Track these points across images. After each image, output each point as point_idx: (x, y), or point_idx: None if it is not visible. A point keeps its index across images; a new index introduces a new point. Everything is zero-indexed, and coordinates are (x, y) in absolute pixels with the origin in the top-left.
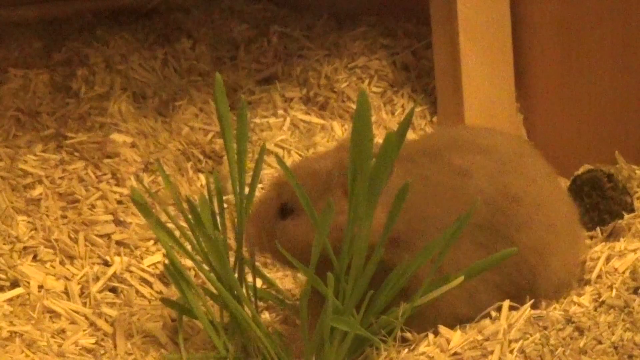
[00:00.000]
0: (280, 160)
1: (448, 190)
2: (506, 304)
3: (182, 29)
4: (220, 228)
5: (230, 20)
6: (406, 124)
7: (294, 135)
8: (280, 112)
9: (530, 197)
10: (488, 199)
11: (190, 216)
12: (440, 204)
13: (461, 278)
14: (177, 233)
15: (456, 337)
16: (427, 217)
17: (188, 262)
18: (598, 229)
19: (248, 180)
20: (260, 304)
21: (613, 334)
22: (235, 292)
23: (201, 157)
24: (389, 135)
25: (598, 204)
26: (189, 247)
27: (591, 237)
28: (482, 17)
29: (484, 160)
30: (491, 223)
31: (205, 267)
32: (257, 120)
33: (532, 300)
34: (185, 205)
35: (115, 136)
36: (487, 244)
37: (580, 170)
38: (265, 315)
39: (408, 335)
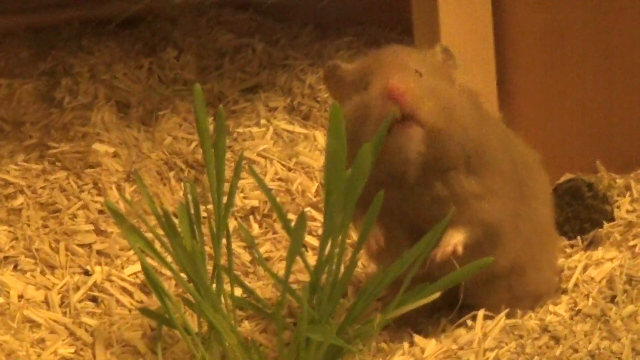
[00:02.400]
0: (253, 171)
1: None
2: (481, 313)
3: (169, 39)
4: (197, 237)
5: (217, 30)
6: (382, 135)
7: (277, 144)
8: (263, 121)
9: (533, 168)
10: (521, 157)
11: (166, 226)
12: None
13: (437, 294)
14: (157, 243)
15: (431, 346)
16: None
17: (169, 272)
18: (579, 237)
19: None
20: (241, 313)
21: (590, 343)
22: (212, 301)
23: (183, 166)
24: (365, 147)
25: (579, 212)
26: (168, 257)
27: (572, 246)
28: (464, 27)
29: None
30: (524, 181)
31: (184, 276)
32: (240, 130)
33: (507, 310)
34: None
35: (97, 146)
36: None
37: (562, 179)
38: (245, 324)
39: (383, 345)
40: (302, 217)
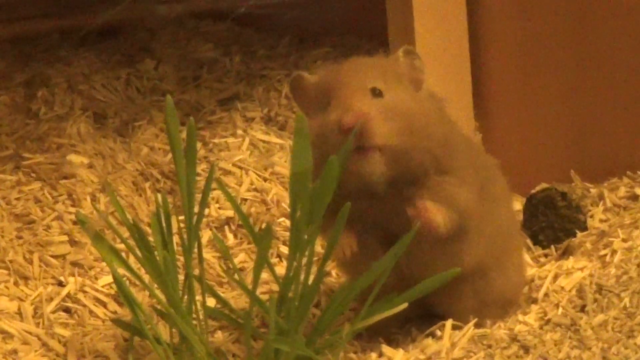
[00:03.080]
0: (219, 184)
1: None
2: (449, 323)
3: (147, 49)
4: (169, 248)
5: (195, 40)
6: (348, 147)
7: (253, 155)
8: (240, 132)
9: (493, 171)
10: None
11: (137, 237)
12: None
13: (405, 305)
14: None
15: (398, 356)
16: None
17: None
18: (552, 247)
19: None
20: (214, 323)
21: (560, 352)
22: (181, 311)
23: (159, 177)
24: (332, 159)
25: (553, 222)
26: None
27: (545, 255)
28: (439, 36)
29: None
30: (485, 182)
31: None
32: (216, 140)
33: (475, 319)
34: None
35: (72, 157)
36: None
37: (537, 189)
38: (218, 334)
39: (352, 355)
40: (268, 229)
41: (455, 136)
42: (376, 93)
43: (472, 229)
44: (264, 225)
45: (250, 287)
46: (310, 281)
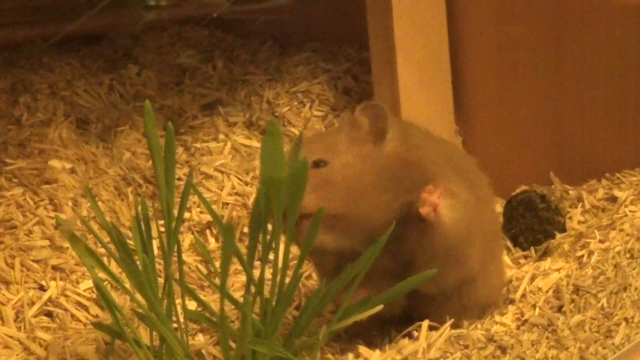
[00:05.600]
0: (196, 190)
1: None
2: (425, 323)
3: (130, 55)
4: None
5: (178, 46)
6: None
7: (235, 159)
8: (222, 136)
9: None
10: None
11: (117, 241)
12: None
13: (380, 306)
14: (112, 259)
15: (375, 357)
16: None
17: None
18: (532, 248)
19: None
20: (195, 325)
21: (537, 352)
22: (160, 315)
23: (141, 182)
24: (302, 161)
25: (532, 224)
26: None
27: (525, 257)
28: (419, 40)
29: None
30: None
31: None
32: (198, 145)
33: (452, 320)
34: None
35: (54, 162)
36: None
37: (517, 191)
38: (199, 337)
39: (330, 356)
40: (230, 228)
41: (432, 156)
42: (319, 165)
43: (474, 230)
44: (244, 229)
45: (231, 290)
46: (287, 283)
